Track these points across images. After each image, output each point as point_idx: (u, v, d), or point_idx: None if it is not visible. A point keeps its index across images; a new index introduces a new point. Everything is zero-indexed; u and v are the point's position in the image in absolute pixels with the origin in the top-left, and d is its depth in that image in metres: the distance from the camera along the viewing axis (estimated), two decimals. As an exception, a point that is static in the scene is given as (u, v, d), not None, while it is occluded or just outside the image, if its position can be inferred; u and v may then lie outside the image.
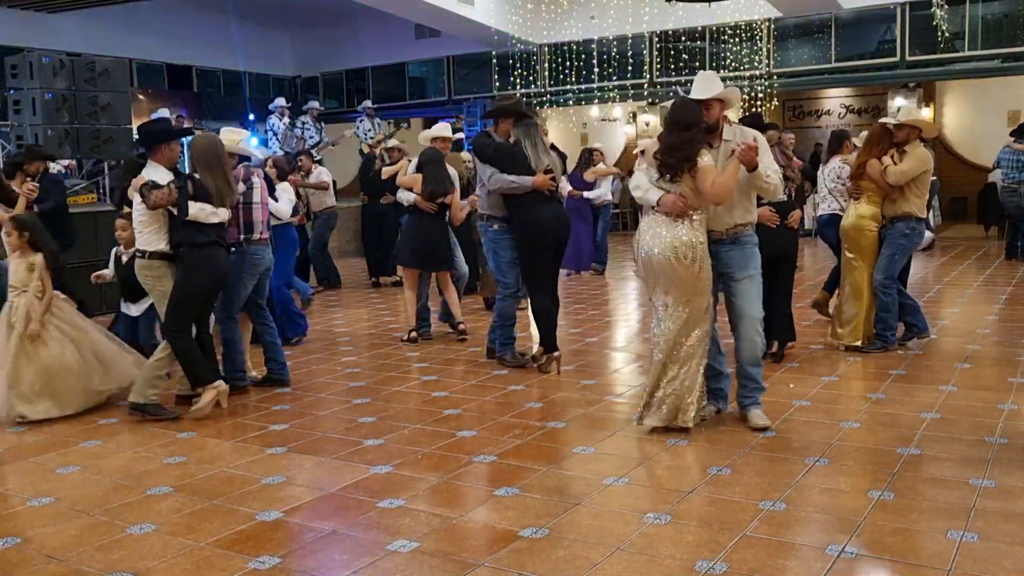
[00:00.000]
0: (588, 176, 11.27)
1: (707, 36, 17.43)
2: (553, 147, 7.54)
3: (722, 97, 4.77)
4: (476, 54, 19.13)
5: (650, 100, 18.52)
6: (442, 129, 7.91)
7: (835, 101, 19.60)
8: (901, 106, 6.63)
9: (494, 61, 18.83)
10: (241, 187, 5.67)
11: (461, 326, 7.56)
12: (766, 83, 16.91)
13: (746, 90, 17.09)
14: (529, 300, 6.55)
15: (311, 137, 14.58)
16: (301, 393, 5.93)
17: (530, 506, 3.91)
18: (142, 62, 18.10)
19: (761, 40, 16.99)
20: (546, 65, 19.04)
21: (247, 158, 6.01)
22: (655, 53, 18.06)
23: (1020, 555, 3.25)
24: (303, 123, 14.83)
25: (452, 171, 7.64)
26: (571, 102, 19.12)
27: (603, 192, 11.63)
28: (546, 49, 18.94)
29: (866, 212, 6.54)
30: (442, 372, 6.41)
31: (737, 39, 17.00)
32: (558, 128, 20.57)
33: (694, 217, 4.61)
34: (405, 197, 7.40)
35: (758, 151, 4.60)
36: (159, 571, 3.30)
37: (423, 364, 6.68)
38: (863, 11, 16.31)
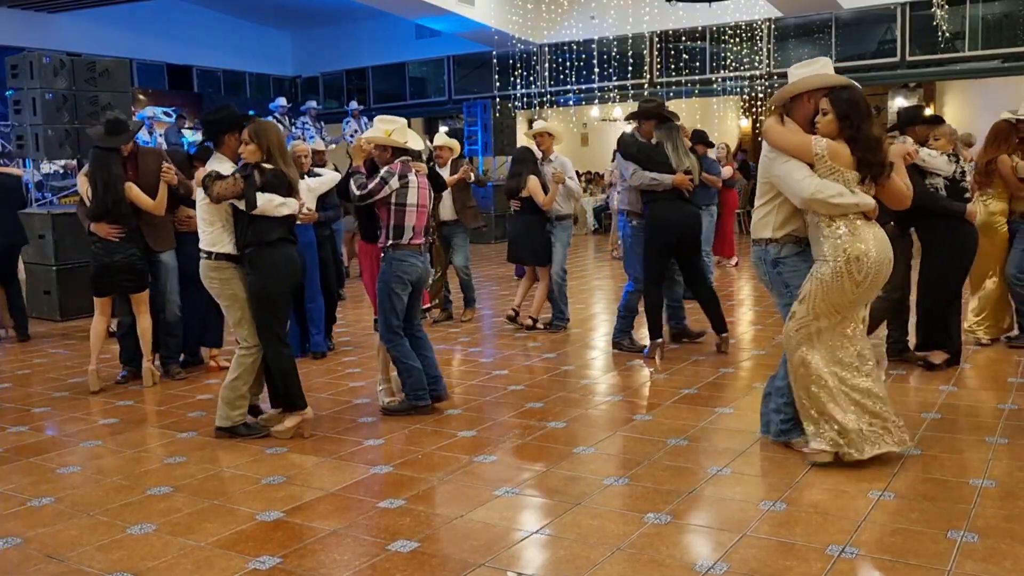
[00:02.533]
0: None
1: (707, 36, 17.44)
2: (692, 149, 7.80)
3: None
4: (476, 54, 19.14)
5: (650, 100, 18.52)
6: (438, 138, 8.25)
7: (835, 101, 19.58)
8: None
9: (494, 61, 18.83)
10: (395, 183, 5.04)
11: (537, 323, 7.95)
12: (766, 83, 16.91)
13: (746, 90, 17.11)
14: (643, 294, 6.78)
15: (311, 138, 14.58)
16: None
17: (530, 506, 3.91)
18: (143, 62, 18.12)
19: (761, 40, 17.00)
20: (546, 65, 19.04)
21: (404, 151, 5.16)
22: (655, 53, 18.07)
23: (1020, 555, 3.25)
24: (303, 123, 14.84)
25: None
26: (571, 102, 19.13)
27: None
28: (546, 49, 18.95)
29: (996, 208, 6.57)
30: (442, 372, 6.40)
31: (737, 39, 17.00)
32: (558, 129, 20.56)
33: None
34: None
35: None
36: (159, 571, 3.30)
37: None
38: (863, 11, 16.31)
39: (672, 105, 20.07)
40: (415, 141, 5.24)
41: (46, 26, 16.33)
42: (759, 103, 16.90)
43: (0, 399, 6.01)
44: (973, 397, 5.40)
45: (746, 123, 19.46)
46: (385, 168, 5.10)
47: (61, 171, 11.50)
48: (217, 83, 20.23)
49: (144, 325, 6.16)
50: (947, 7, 15.04)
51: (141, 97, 16.71)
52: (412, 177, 5.12)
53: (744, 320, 8.55)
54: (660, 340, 6.74)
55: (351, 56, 21.00)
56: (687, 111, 19.32)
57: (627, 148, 6.67)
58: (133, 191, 5.98)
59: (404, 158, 5.15)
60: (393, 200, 5.07)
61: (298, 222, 6.34)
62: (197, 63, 19.53)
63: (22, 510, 3.97)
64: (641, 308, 6.85)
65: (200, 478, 4.32)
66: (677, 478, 4.18)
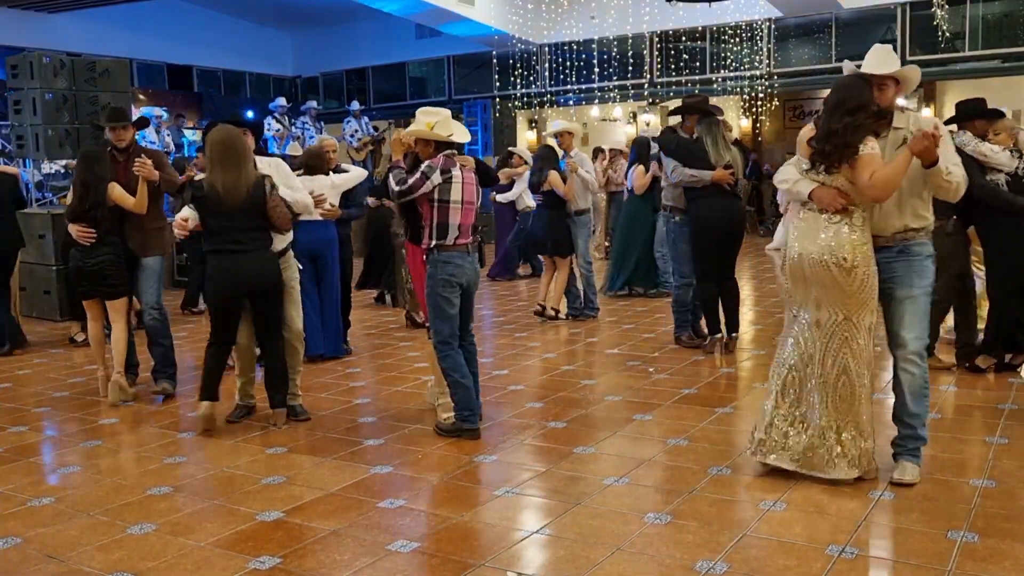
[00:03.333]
0: (502, 178, 10.81)
1: (707, 36, 17.44)
2: (736, 142, 7.97)
3: (900, 76, 4.03)
4: (476, 54, 19.14)
5: (650, 100, 18.52)
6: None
7: (835, 101, 19.59)
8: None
9: (494, 61, 18.83)
10: (437, 178, 4.70)
11: (559, 313, 8.25)
12: (766, 83, 16.91)
13: (746, 90, 17.11)
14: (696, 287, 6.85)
15: (311, 138, 14.58)
16: (301, 393, 5.91)
17: (530, 506, 3.91)
18: (143, 62, 18.13)
19: (761, 40, 16.99)
20: (546, 65, 19.04)
21: (447, 144, 4.85)
22: (655, 53, 18.07)
23: (1020, 555, 3.25)
24: (303, 124, 14.83)
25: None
26: (571, 102, 19.13)
27: (513, 195, 11.11)
28: (546, 49, 18.95)
29: None
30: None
31: (737, 39, 17.00)
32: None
33: (854, 215, 3.90)
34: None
35: (938, 142, 3.76)
36: (159, 571, 3.30)
37: (423, 364, 6.67)
38: (863, 11, 16.31)
39: (672, 105, 20.02)
40: (460, 134, 4.91)
41: (46, 26, 16.33)
42: (759, 103, 16.89)
43: (0, 399, 6.00)
44: (973, 397, 5.41)
45: (746, 123, 19.45)
46: (426, 163, 4.75)
47: (62, 171, 11.50)
48: (217, 83, 20.24)
49: (117, 334, 5.80)
50: (947, 7, 15.04)
51: (141, 97, 16.71)
52: (456, 172, 4.76)
53: (744, 320, 8.53)
54: (719, 336, 6.77)
55: (351, 56, 21.00)
56: (687, 111, 19.36)
57: (667, 145, 6.71)
58: (115, 191, 5.69)
59: (448, 152, 4.79)
60: (436, 196, 4.71)
61: (319, 218, 6.42)
62: (197, 63, 19.53)
63: (22, 510, 3.97)
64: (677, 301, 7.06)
65: (200, 478, 4.32)
66: (677, 478, 4.17)
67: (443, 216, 4.73)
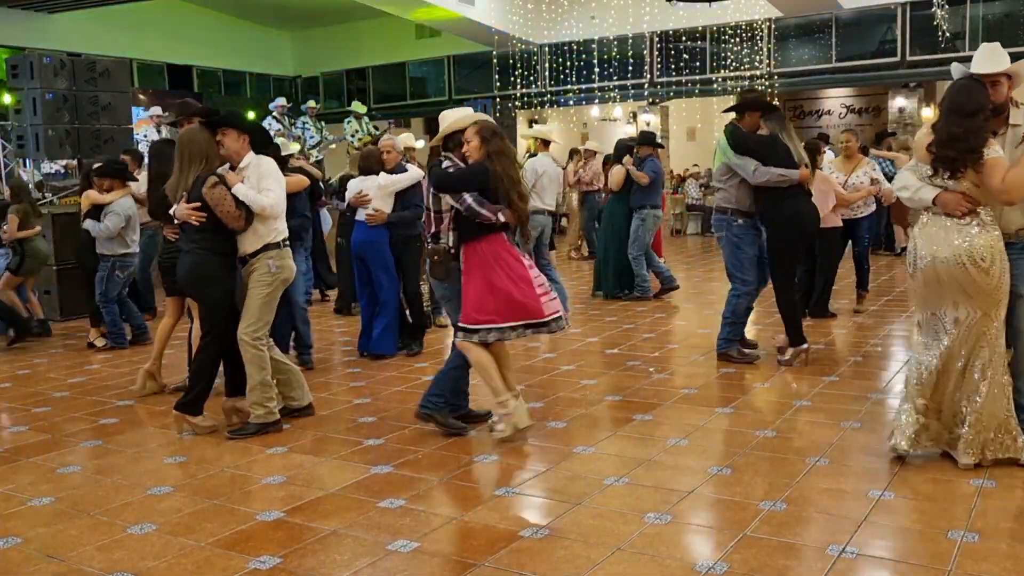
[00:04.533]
0: None
1: (707, 36, 17.44)
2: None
3: (1012, 72, 4.03)
4: (476, 54, 19.14)
5: (650, 100, 18.53)
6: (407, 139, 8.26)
7: (836, 101, 19.62)
8: None
9: (494, 61, 18.83)
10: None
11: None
12: (767, 83, 16.91)
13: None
14: (776, 295, 6.35)
15: (311, 137, 14.58)
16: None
17: (530, 506, 3.91)
18: (143, 62, 18.13)
19: (762, 40, 16.99)
20: (546, 65, 19.04)
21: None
22: (655, 53, 18.08)
23: (1020, 555, 3.24)
24: (303, 123, 14.83)
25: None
26: (571, 102, 19.14)
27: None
28: (546, 49, 18.95)
29: None
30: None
31: (737, 39, 17.00)
32: (558, 128, 20.57)
33: (982, 215, 3.93)
34: None
35: None
36: (159, 571, 3.30)
37: (423, 364, 6.68)
38: (864, 11, 16.31)
39: (672, 105, 19.96)
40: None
41: (46, 26, 16.33)
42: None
43: (0, 399, 6.01)
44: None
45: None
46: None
47: (62, 171, 11.50)
48: (217, 83, 20.24)
49: (165, 323, 6.02)
50: (947, 7, 15.04)
51: (141, 97, 16.71)
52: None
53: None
54: (806, 346, 6.30)
55: (351, 56, 21.00)
56: (687, 111, 19.35)
57: (743, 142, 6.15)
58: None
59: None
60: None
61: (364, 219, 6.64)
62: (197, 63, 19.53)
63: (22, 510, 3.97)
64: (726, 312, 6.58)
65: (200, 478, 4.32)
66: (677, 478, 4.17)
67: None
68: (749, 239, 6.29)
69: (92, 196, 7.57)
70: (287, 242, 5.18)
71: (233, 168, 5.00)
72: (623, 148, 9.68)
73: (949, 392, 4.11)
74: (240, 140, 5.04)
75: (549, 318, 4.69)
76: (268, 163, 5.13)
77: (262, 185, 5.04)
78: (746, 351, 6.53)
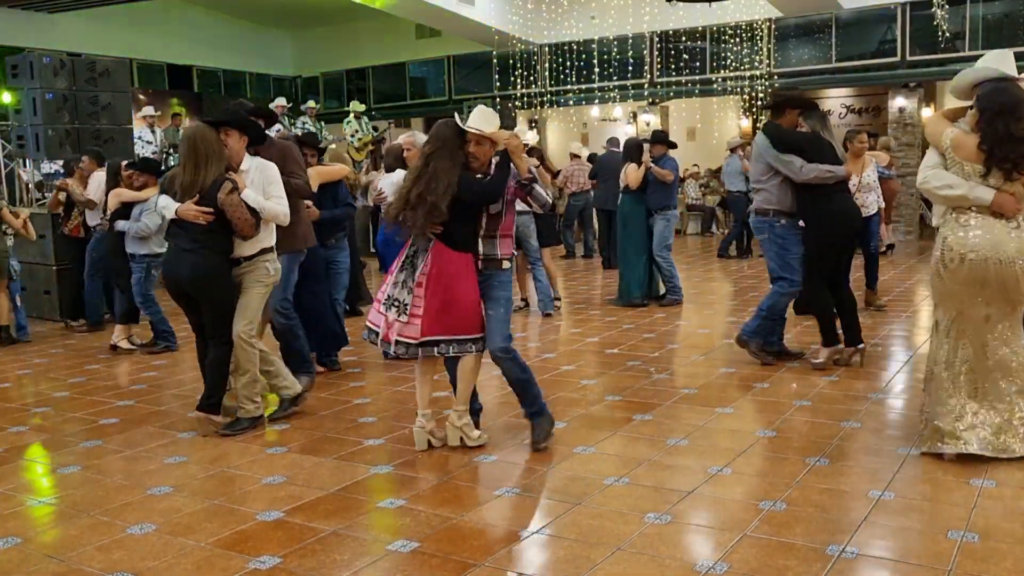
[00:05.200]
0: None
1: (707, 36, 17.41)
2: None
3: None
4: (476, 54, 19.13)
5: (650, 100, 18.52)
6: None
7: (836, 101, 19.59)
8: None
9: (494, 61, 18.83)
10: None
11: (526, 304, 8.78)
12: (766, 83, 16.90)
13: (746, 90, 17.10)
14: (811, 295, 6.27)
15: (311, 137, 14.57)
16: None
17: (530, 506, 3.91)
18: (143, 62, 18.11)
19: (761, 40, 16.97)
20: (546, 65, 19.04)
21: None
22: (655, 53, 18.05)
23: (1020, 555, 3.24)
24: (303, 123, 14.82)
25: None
26: (571, 102, 19.13)
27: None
28: (546, 49, 18.94)
29: None
30: (442, 372, 6.40)
31: (737, 39, 16.98)
32: (558, 128, 20.57)
33: (1020, 217, 4.06)
34: None
35: None
36: (159, 571, 3.30)
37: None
38: (864, 11, 16.29)
39: (672, 105, 19.91)
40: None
41: (46, 26, 16.32)
42: (759, 103, 16.88)
43: (0, 399, 6.01)
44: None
45: (746, 123, 19.44)
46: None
47: (62, 171, 11.50)
48: (217, 83, 20.21)
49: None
50: (947, 7, 15.03)
51: (141, 97, 16.70)
52: None
53: (744, 320, 8.54)
54: (839, 346, 6.20)
55: (351, 56, 20.98)
56: (687, 111, 19.34)
57: (787, 139, 6.06)
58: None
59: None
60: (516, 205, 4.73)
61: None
62: (197, 63, 19.51)
63: (22, 510, 3.97)
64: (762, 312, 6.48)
65: (200, 478, 4.32)
66: (677, 478, 4.17)
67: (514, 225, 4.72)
68: (793, 239, 6.20)
69: (123, 194, 7.38)
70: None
71: (233, 169, 5.00)
72: (635, 147, 9.30)
73: (991, 383, 4.17)
74: (241, 141, 5.05)
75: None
76: (273, 169, 5.13)
77: (270, 191, 5.04)
78: (763, 352, 6.41)
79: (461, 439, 4.64)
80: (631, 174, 9.17)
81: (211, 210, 4.81)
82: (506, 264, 4.60)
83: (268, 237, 5.08)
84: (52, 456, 4.74)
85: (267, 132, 5.65)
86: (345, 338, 6.69)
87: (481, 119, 4.41)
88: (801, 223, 6.20)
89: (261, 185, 5.02)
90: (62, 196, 8.66)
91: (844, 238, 6.19)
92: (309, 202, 6.06)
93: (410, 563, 3.32)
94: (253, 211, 4.89)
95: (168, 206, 4.90)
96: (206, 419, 5.01)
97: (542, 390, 4.74)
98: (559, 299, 9.04)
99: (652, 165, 9.10)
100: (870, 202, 8.25)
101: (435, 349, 4.52)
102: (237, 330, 4.97)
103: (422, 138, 7.12)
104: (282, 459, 4.59)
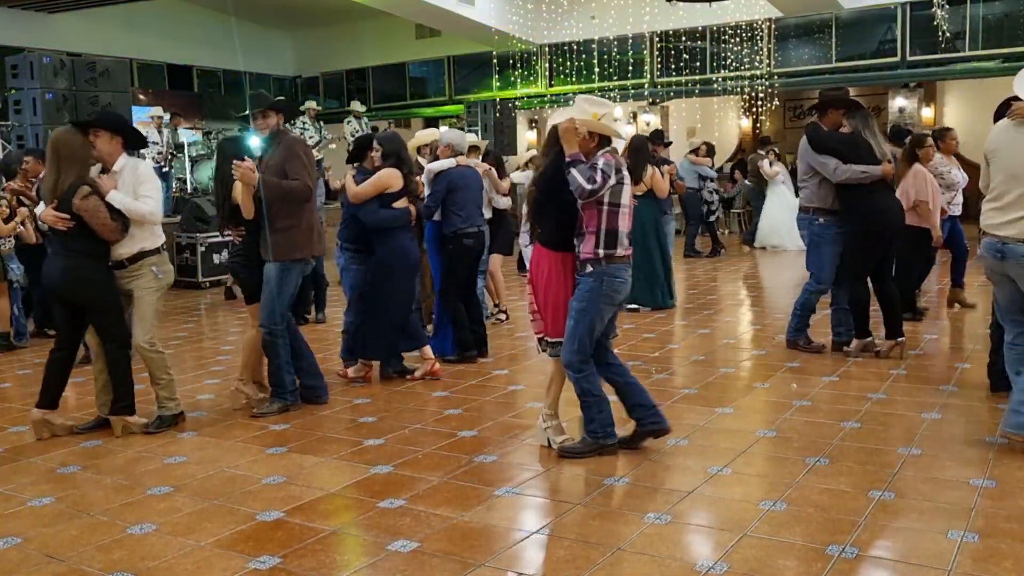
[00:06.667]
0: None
1: (708, 36, 17.42)
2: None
3: None
4: (476, 54, 19.13)
5: (650, 100, 18.52)
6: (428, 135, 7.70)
7: (835, 101, 19.60)
8: None
9: (494, 61, 18.83)
10: (613, 179, 4.25)
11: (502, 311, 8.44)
12: (767, 83, 16.91)
13: (746, 90, 17.11)
14: (851, 290, 6.36)
15: (310, 137, 14.57)
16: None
17: (530, 506, 3.91)
18: (143, 62, 18.11)
19: (762, 40, 16.98)
20: (546, 65, 19.04)
21: (608, 139, 4.48)
22: (655, 53, 18.06)
23: (1020, 555, 3.24)
24: (302, 123, 14.83)
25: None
26: (571, 102, 19.12)
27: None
28: (546, 49, 18.94)
29: None
30: (442, 372, 6.40)
31: (738, 39, 16.98)
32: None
33: None
34: None
35: None
36: (159, 571, 3.30)
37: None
38: (864, 11, 16.30)
39: (672, 105, 19.92)
40: (622, 129, 4.72)
41: (46, 26, 16.32)
42: (759, 103, 16.88)
43: (0, 399, 6.00)
44: (973, 397, 5.40)
45: (746, 123, 19.44)
46: (603, 160, 4.25)
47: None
48: (217, 83, 20.22)
49: (246, 339, 5.73)
50: (947, 7, 15.03)
51: (141, 97, 16.70)
52: (625, 172, 4.38)
53: (744, 320, 8.55)
54: (870, 339, 6.39)
55: (351, 56, 20.98)
56: (687, 111, 19.35)
57: (824, 141, 6.22)
58: (236, 189, 5.34)
59: (611, 149, 4.40)
60: (607, 199, 4.27)
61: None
62: (197, 63, 19.52)
63: (22, 510, 3.97)
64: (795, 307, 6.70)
65: (200, 478, 4.32)
66: (677, 478, 4.17)
67: (613, 222, 4.29)
68: (829, 237, 6.33)
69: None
70: (164, 246, 5.13)
71: (106, 171, 4.93)
72: (644, 147, 8.66)
73: None
74: (113, 142, 4.94)
75: None
76: (145, 167, 5.04)
77: (140, 191, 4.90)
78: (813, 340, 6.63)
79: (548, 440, 4.60)
80: (659, 183, 8.63)
81: (68, 216, 4.73)
82: (588, 268, 4.35)
83: (148, 239, 4.98)
84: (52, 456, 4.74)
85: (286, 126, 5.64)
86: (404, 345, 6.33)
87: (576, 110, 4.40)
88: (839, 224, 6.30)
89: (132, 185, 4.89)
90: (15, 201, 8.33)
91: (884, 234, 6.28)
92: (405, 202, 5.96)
93: (410, 563, 3.32)
94: (121, 214, 4.82)
95: (42, 214, 4.85)
96: (119, 420, 5.02)
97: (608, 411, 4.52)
98: (505, 312, 8.50)
99: (673, 175, 9.01)
100: (957, 201, 8.09)
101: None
102: (137, 342, 4.97)
103: (450, 137, 6.90)
104: (282, 459, 4.59)
